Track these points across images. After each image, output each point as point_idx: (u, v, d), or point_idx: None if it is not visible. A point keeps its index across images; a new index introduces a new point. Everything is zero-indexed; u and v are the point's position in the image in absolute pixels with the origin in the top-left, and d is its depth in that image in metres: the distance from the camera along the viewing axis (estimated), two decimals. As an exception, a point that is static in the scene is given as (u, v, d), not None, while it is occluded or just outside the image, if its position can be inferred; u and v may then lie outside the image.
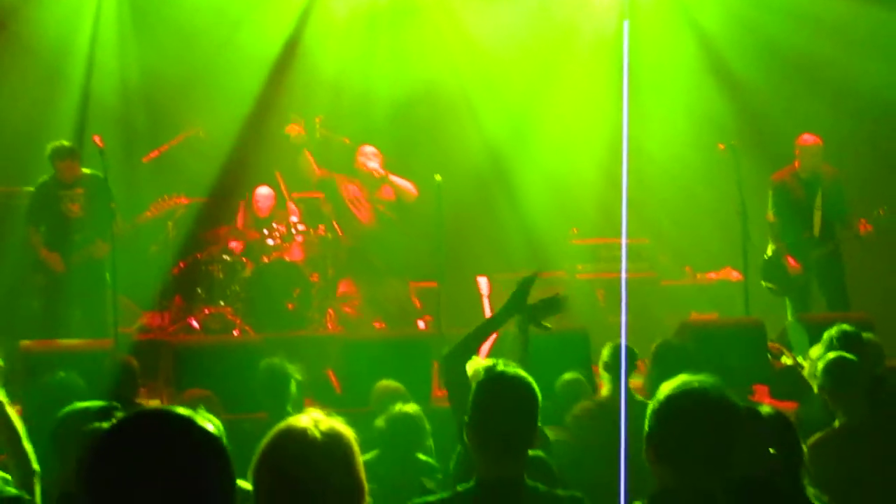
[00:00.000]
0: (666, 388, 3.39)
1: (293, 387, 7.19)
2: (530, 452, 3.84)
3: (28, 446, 4.70)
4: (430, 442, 6.53)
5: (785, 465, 4.02)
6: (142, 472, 2.12)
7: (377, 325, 11.17)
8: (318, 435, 2.89)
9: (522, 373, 3.81)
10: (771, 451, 3.96)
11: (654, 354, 7.52)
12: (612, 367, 7.19)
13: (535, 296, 5.11)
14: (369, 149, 11.41)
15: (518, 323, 5.22)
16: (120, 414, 4.71)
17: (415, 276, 11.60)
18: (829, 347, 6.68)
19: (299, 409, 7.04)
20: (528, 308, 5.16)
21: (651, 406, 3.40)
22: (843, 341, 6.75)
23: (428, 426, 6.51)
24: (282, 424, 2.96)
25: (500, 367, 3.84)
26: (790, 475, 4.03)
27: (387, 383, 7.54)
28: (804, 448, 4.18)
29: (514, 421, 3.68)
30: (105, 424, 4.54)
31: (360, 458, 2.95)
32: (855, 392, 6.01)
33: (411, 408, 6.51)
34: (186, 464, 2.15)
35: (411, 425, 6.46)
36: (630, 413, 5.35)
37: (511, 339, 5.40)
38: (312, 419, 2.94)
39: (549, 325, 5.22)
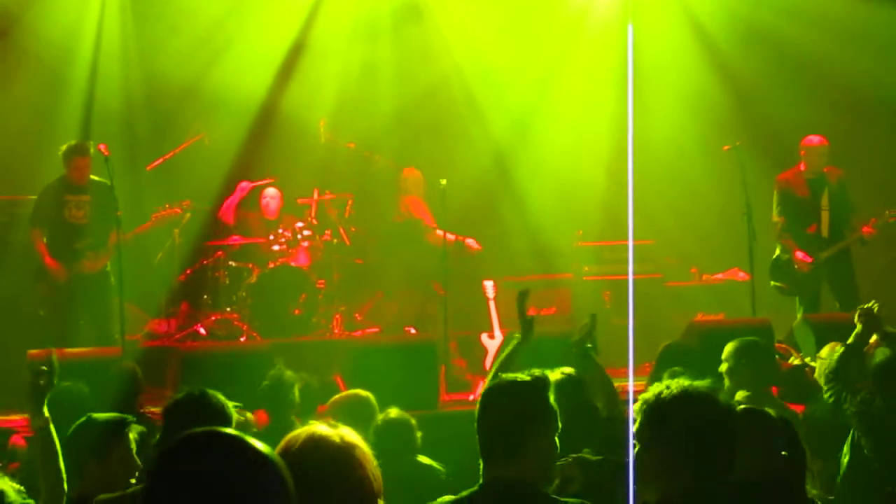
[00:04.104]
0: (654, 389, 3.37)
1: (296, 394, 7.17)
2: None
3: (62, 465, 4.71)
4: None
5: (789, 467, 4.01)
6: (200, 494, 2.10)
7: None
8: (338, 440, 3.01)
9: (524, 377, 3.81)
10: (784, 453, 3.94)
11: (659, 356, 7.47)
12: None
13: (544, 298, 5.40)
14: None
15: (575, 358, 5.99)
16: (136, 426, 4.75)
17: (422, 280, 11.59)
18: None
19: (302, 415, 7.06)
20: (576, 342, 6.03)
21: (639, 405, 3.39)
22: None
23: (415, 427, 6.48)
24: (301, 432, 3.05)
25: (504, 374, 3.92)
26: (795, 477, 4.03)
27: (346, 394, 7.30)
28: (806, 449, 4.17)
29: (514, 424, 3.70)
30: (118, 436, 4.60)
31: (375, 462, 3.06)
32: None
33: (395, 412, 6.48)
34: (244, 484, 2.13)
35: (403, 429, 6.45)
36: None
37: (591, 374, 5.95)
38: (329, 426, 3.06)
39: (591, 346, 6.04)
